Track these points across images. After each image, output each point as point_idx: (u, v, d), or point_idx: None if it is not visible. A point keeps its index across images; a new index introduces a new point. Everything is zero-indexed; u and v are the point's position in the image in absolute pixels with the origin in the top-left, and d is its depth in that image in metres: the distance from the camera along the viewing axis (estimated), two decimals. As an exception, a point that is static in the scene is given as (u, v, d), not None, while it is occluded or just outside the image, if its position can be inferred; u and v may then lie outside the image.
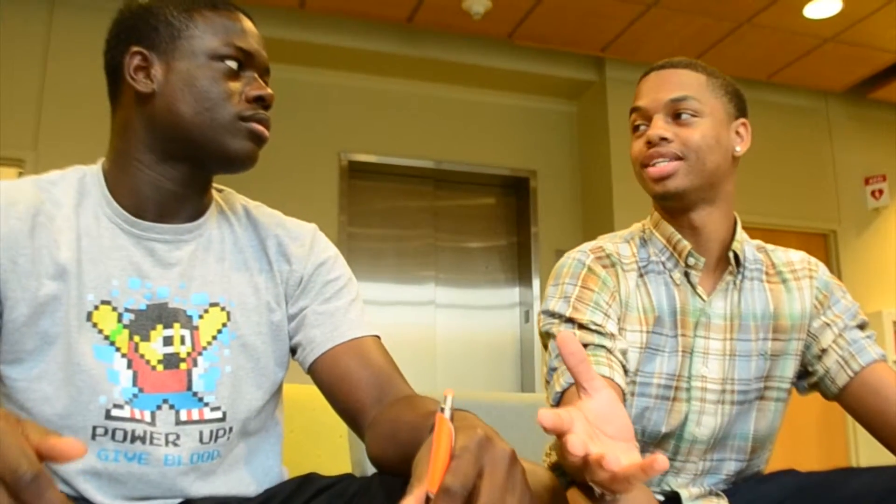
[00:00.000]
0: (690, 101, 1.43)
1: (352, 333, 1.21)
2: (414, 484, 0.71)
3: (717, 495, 1.42)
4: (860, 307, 1.53)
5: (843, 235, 5.67)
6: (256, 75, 1.21)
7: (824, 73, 5.31)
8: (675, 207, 1.45)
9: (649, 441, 1.42)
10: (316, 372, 1.21)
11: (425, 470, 0.71)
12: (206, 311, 1.18)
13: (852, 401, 1.44)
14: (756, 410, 1.45)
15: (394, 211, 5.23)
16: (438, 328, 5.18)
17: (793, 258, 1.56)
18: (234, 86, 1.18)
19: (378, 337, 1.24)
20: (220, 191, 1.32)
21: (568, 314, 1.38)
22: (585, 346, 1.33)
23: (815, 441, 5.22)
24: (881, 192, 5.75)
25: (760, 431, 1.46)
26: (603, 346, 1.34)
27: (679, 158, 1.41)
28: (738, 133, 1.49)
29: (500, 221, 5.52)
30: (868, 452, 5.16)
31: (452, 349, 5.16)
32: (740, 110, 1.51)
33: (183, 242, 1.20)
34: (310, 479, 1.12)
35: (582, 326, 1.36)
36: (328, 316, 1.23)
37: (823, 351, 1.47)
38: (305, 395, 1.61)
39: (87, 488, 1.08)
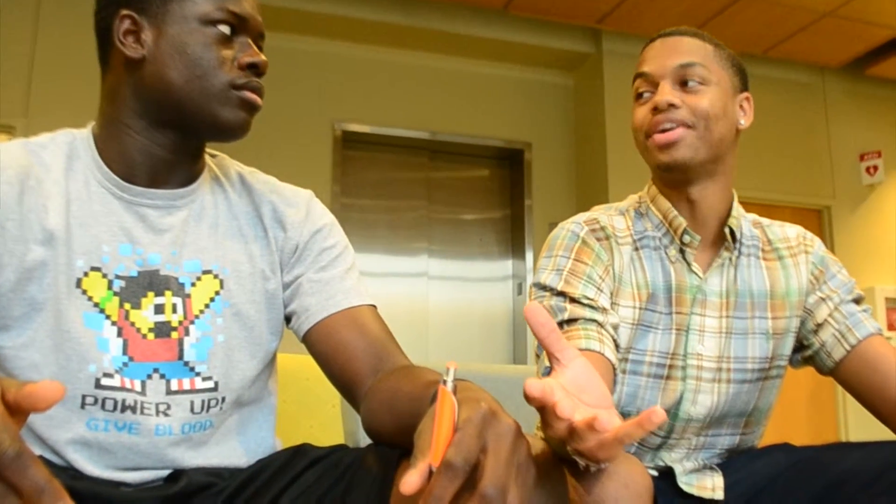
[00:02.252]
0: (698, 67, 1.40)
1: (347, 302, 1.19)
2: (417, 457, 0.70)
3: (712, 468, 1.42)
4: (856, 282, 1.52)
5: (838, 211, 5.67)
6: (250, 40, 1.17)
7: (822, 48, 5.28)
8: (677, 179, 1.42)
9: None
10: (311, 341, 1.20)
11: (427, 442, 0.70)
12: (198, 278, 1.16)
13: (848, 375, 1.43)
14: (759, 390, 1.45)
15: (387, 182, 5.21)
16: (431, 300, 5.18)
17: (789, 234, 1.55)
18: (227, 52, 1.14)
19: (374, 306, 1.23)
20: (213, 156, 1.29)
21: (559, 287, 1.35)
22: (576, 320, 1.31)
23: (804, 415, 5.25)
24: (876, 168, 5.74)
25: (759, 408, 1.46)
26: (594, 321, 1.31)
27: (687, 126, 1.38)
28: (741, 107, 1.48)
29: (494, 193, 5.51)
30: (857, 426, 5.20)
31: (445, 321, 5.16)
32: (744, 84, 1.49)
33: (175, 209, 1.17)
34: (302, 449, 1.11)
35: (574, 300, 1.34)
36: (324, 284, 1.21)
37: (819, 325, 1.46)
38: (298, 364, 1.61)
39: (77, 458, 1.06)
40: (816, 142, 5.73)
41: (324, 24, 4.85)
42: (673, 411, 1.40)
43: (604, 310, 1.34)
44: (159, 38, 1.13)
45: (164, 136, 1.16)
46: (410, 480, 0.66)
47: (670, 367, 1.40)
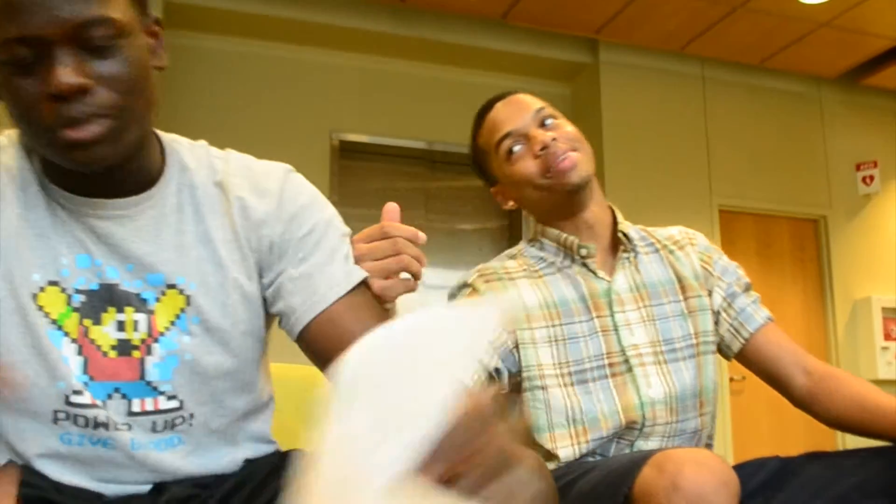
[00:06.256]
0: (547, 109, 1.60)
1: (334, 294, 1.10)
2: None
3: None
4: (743, 273, 1.68)
5: (834, 221, 5.68)
6: (59, 57, 0.92)
7: (818, 58, 5.30)
8: (578, 202, 1.56)
9: (617, 426, 1.48)
10: (304, 343, 1.12)
11: None
12: (162, 293, 1.07)
13: (747, 363, 1.63)
14: (696, 367, 1.56)
15: (385, 191, 5.20)
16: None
17: (672, 232, 1.71)
18: (31, 87, 0.93)
19: (364, 283, 1.14)
20: (191, 143, 1.18)
21: None
22: None
23: (802, 427, 5.25)
24: (872, 178, 5.76)
25: (705, 385, 1.57)
26: None
27: (573, 150, 1.54)
28: None
29: (492, 203, 5.41)
30: (854, 438, 5.19)
31: (442, 330, 5.15)
32: None
33: (127, 219, 1.06)
34: (288, 459, 1.08)
35: None
36: (306, 279, 1.11)
37: (717, 317, 1.62)
38: (301, 374, 1.61)
39: (52, 471, 1.03)
40: (813, 152, 5.74)
41: (322, 33, 4.86)
42: (636, 401, 1.49)
43: None
44: None
45: None
46: None
47: (611, 364, 1.51)
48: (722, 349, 1.64)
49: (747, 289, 1.65)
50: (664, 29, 4.88)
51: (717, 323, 1.62)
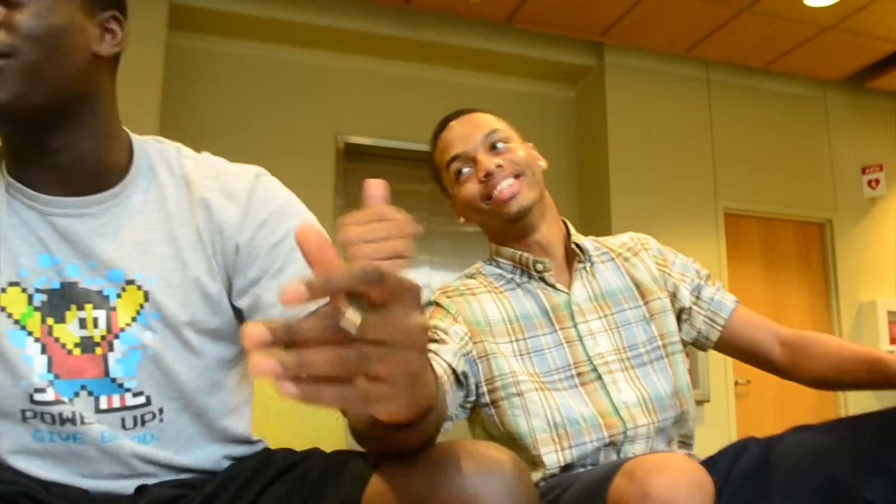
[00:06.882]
0: (500, 131, 1.65)
1: (314, 306, 1.09)
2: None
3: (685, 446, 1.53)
4: (700, 266, 1.73)
5: (840, 225, 5.67)
6: None
7: (823, 61, 5.29)
8: (525, 226, 1.60)
9: (599, 434, 1.47)
10: None
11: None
12: (123, 289, 1.07)
13: (726, 348, 1.69)
14: (668, 367, 1.59)
15: (390, 194, 5.20)
16: (433, 312, 5.17)
17: (623, 239, 1.75)
18: None
19: None
20: (159, 142, 1.18)
21: None
22: None
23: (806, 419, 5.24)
24: (878, 181, 5.75)
25: (679, 383, 1.58)
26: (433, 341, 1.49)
27: (517, 176, 1.58)
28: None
29: (496, 206, 5.50)
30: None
31: (447, 333, 5.15)
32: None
33: (90, 216, 1.07)
34: (273, 459, 1.08)
35: None
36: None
37: (688, 313, 1.66)
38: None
39: (28, 467, 1.04)
40: (818, 155, 5.73)
41: (327, 37, 4.87)
42: (610, 407, 1.50)
43: (442, 341, 1.49)
44: None
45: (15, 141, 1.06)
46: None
47: (579, 374, 1.53)
48: (699, 342, 1.69)
49: (708, 279, 1.71)
50: (669, 32, 4.88)
51: (688, 319, 1.66)
